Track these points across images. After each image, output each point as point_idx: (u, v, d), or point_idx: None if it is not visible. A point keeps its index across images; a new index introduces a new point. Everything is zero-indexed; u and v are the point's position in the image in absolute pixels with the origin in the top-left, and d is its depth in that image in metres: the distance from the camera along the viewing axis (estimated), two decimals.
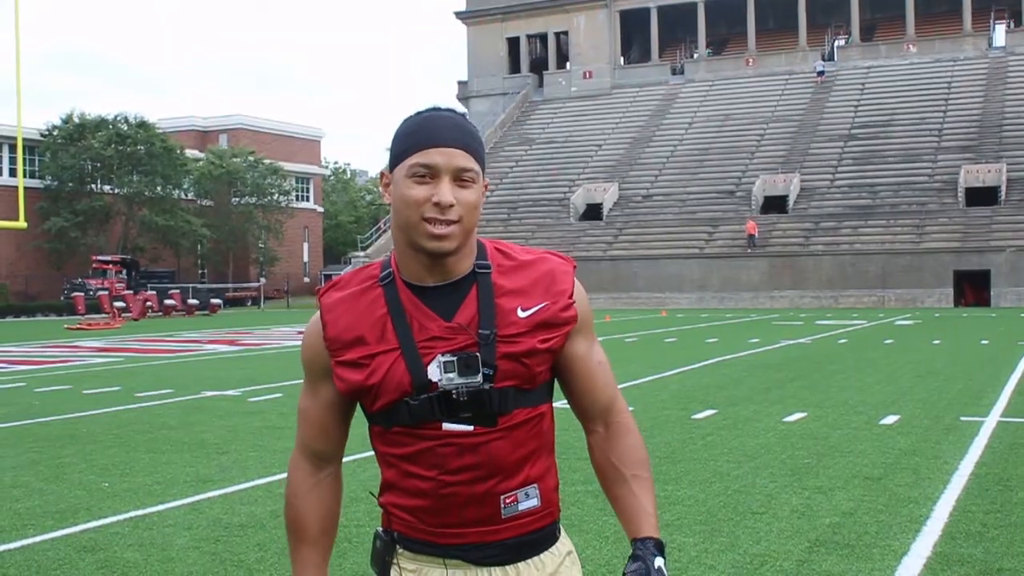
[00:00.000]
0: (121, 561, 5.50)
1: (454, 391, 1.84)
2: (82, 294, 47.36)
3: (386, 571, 1.99)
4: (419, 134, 1.88)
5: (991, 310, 38.80)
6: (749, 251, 46.51)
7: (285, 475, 7.33)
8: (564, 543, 2.03)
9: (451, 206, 1.85)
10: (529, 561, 1.95)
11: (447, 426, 1.87)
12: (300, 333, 29.86)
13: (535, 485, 1.93)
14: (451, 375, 1.84)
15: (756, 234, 46.83)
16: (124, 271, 52.72)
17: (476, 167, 1.89)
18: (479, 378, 1.84)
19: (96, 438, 9.78)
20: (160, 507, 6.77)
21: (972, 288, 42.89)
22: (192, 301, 49.45)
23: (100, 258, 53.60)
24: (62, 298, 49.59)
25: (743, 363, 16.90)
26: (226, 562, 5.46)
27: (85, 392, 13.88)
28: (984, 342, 20.96)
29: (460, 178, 1.87)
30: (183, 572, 5.30)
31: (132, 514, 6.59)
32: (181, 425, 10.60)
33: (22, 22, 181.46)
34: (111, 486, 7.48)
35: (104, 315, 41.19)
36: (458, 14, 72.58)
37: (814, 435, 9.36)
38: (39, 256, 57.73)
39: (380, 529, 2.01)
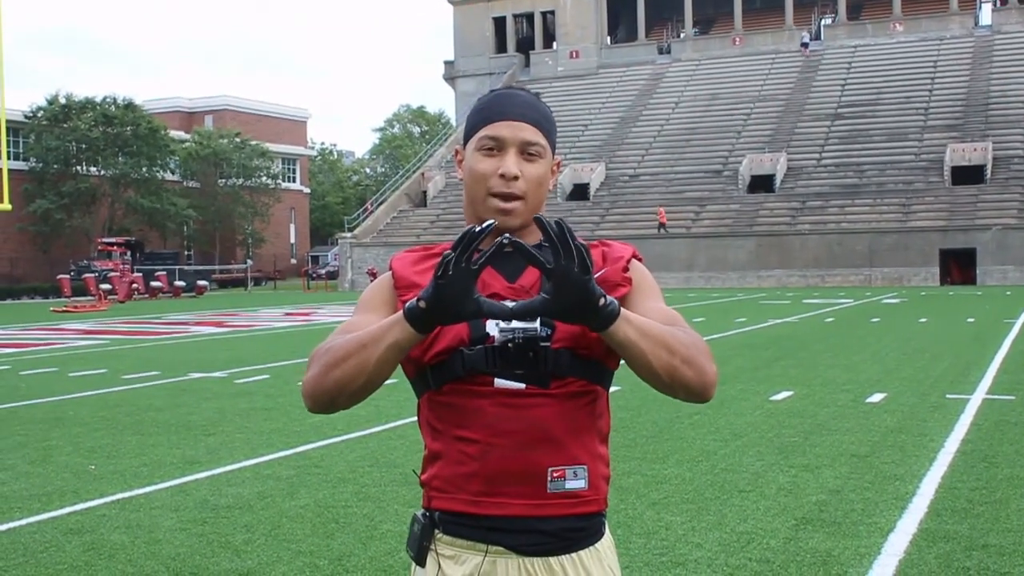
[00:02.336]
0: (108, 543, 5.49)
1: (511, 340, 1.80)
2: (67, 277, 47.03)
3: (422, 556, 1.92)
4: (488, 109, 1.97)
5: (977, 288, 38.95)
6: (660, 234, 46.78)
7: (271, 457, 7.23)
8: (609, 545, 1.97)
9: (516, 178, 1.90)
10: (574, 556, 1.89)
11: (499, 382, 1.84)
12: (288, 315, 29.71)
13: (584, 467, 1.88)
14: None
15: (666, 222, 47.13)
16: (128, 253, 52.51)
17: (543, 142, 1.95)
18: (536, 324, 1.80)
19: (83, 421, 9.75)
20: (147, 489, 6.76)
21: (958, 266, 43.05)
22: (179, 283, 49.24)
23: (105, 240, 53.41)
24: (71, 276, 48.82)
25: (730, 342, 16.93)
26: (213, 543, 5.45)
27: (71, 374, 13.83)
28: (970, 320, 21.05)
29: (527, 152, 1.93)
30: (170, 554, 5.29)
31: (119, 496, 6.57)
32: (168, 407, 10.57)
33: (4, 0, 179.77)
34: (98, 468, 7.46)
35: (90, 297, 41.01)
36: None
37: (801, 413, 9.40)
38: (24, 239, 57.47)
39: (419, 512, 1.96)
